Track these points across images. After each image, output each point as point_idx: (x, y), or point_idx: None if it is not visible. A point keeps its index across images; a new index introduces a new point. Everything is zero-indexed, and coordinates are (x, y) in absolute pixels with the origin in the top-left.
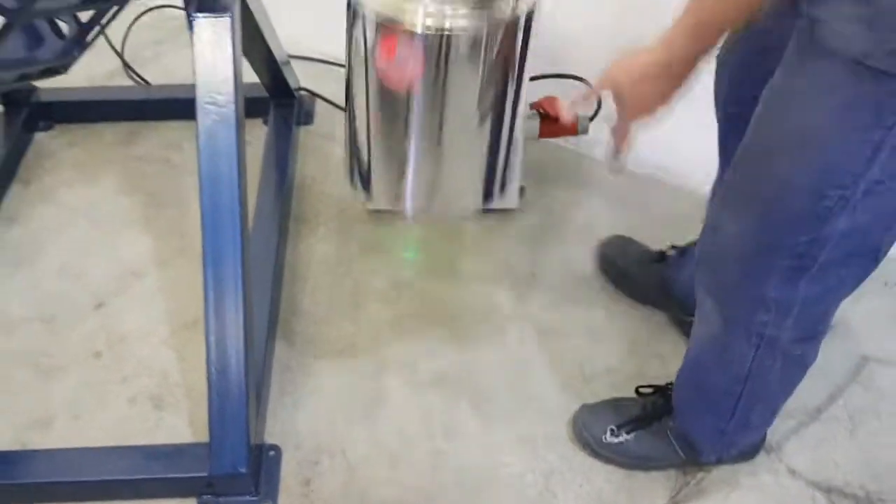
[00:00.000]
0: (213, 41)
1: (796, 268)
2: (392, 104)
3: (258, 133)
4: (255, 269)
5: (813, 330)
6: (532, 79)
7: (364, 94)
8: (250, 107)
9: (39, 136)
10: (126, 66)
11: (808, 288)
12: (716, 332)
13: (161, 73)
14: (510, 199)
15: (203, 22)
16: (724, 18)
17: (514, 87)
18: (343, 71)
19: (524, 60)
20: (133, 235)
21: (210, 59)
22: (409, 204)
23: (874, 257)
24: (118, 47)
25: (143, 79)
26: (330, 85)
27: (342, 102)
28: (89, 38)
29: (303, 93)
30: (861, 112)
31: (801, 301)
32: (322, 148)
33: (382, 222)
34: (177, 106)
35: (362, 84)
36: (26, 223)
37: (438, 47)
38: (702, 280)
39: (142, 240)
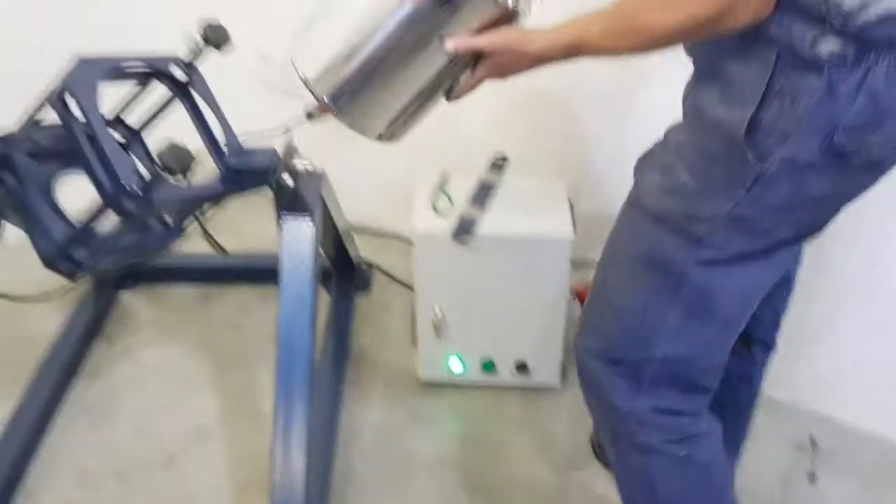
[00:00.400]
0: (298, 238)
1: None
2: None
3: (321, 299)
4: (315, 435)
5: (678, 433)
6: None
7: None
8: (322, 278)
9: (124, 296)
10: (206, 233)
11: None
12: (612, 452)
13: (236, 239)
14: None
15: (291, 221)
16: (601, 54)
17: None
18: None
19: None
20: (203, 395)
21: (294, 252)
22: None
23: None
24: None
25: (219, 245)
26: (387, 256)
27: (398, 273)
28: (187, 224)
29: (361, 262)
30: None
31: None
32: (377, 317)
33: (432, 393)
34: (248, 272)
35: None
36: (107, 379)
37: None
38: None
39: (211, 400)
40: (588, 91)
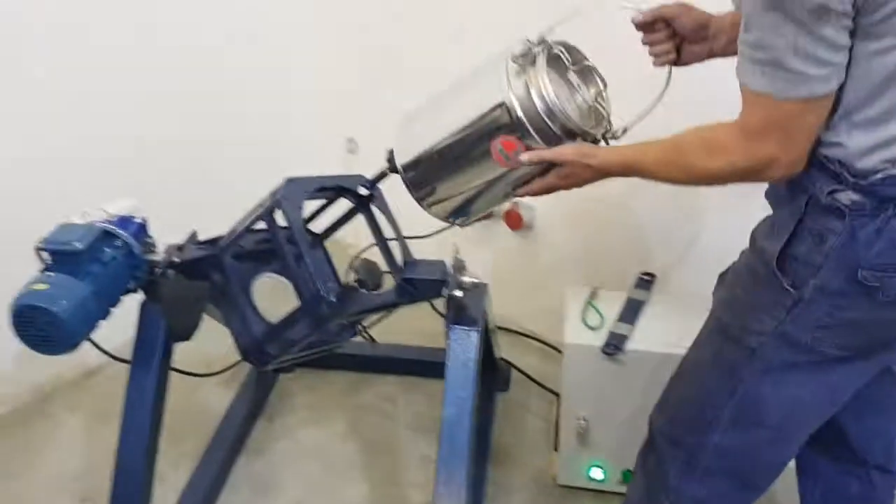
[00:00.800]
0: (464, 348)
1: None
2: None
3: None
4: None
5: None
6: None
7: None
8: None
9: (283, 378)
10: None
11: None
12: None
13: (383, 329)
14: None
15: (458, 332)
16: (653, 179)
17: None
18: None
19: None
20: (355, 480)
21: (460, 360)
22: None
23: (743, 484)
24: None
25: (370, 335)
26: (525, 356)
27: (534, 373)
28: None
29: (502, 361)
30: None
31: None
32: (515, 415)
33: (571, 498)
34: (395, 363)
35: None
36: (268, 456)
37: None
38: None
39: (361, 484)
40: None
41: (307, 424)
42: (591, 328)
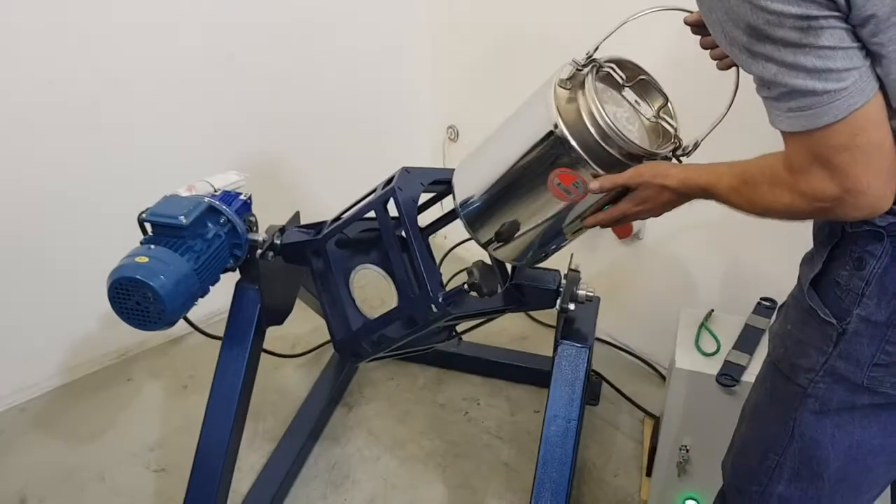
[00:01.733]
0: (572, 365)
1: None
2: None
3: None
4: None
5: None
6: None
7: None
8: (544, 379)
9: (364, 367)
10: None
11: None
12: None
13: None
14: None
15: (568, 348)
16: (728, 205)
17: None
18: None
19: None
20: (430, 481)
21: (567, 377)
22: None
23: None
24: None
25: (457, 332)
26: (617, 371)
27: (626, 388)
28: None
29: (593, 374)
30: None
31: None
32: (604, 433)
33: None
34: (479, 364)
35: None
36: (344, 446)
37: None
38: None
39: (438, 487)
40: None
41: (385, 417)
42: (705, 354)
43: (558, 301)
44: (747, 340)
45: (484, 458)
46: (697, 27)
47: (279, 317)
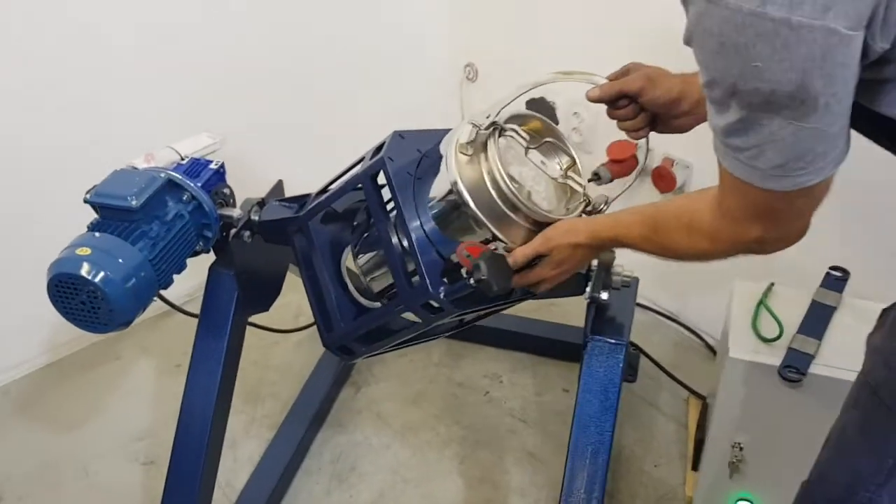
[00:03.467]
0: (606, 364)
1: None
2: None
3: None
4: None
5: None
6: None
7: None
8: (575, 353)
9: None
10: None
11: None
12: None
13: None
14: None
15: (600, 345)
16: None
17: None
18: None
19: None
20: (446, 474)
21: (600, 381)
22: None
23: None
24: None
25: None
26: (658, 342)
27: (667, 362)
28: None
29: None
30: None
31: None
32: (643, 414)
33: None
34: (502, 336)
35: None
36: (351, 433)
37: None
38: None
39: (454, 481)
40: None
41: (397, 398)
42: (765, 340)
43: (587, 289)
44: (815, 322)
45: (507, 447)
46: (606, 102)
47: (263, 302)
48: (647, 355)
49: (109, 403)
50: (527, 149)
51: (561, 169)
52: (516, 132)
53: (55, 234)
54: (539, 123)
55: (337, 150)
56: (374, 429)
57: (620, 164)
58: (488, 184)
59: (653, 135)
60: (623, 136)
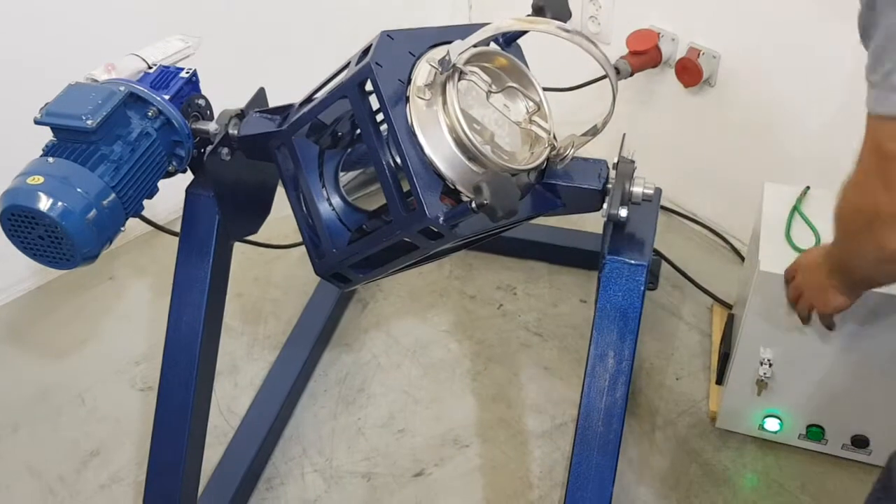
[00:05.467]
0: (626, 290)
1: None
2: None
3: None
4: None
5: None
6: None
7: None
8: (592, 262)
9: None
10: None
11: None
12: None
13: None
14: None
15: (619, 265)
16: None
17: None
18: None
19: None
20: (458, 393)
21: (618, 307)
22: None
23: None
24: None
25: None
26: (681, 245)
27: (690, 267)
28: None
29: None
30: None
31: None
32: (664, 323)
33: (733, 446)
34: (517, 244)
35: None
36: (358, 352)
37: None
38: None
39: (467, 400)
40: None
41: (406, 314)
42: (799, 250)
43: (605, 205)
44: None
45: (521, 362)
46: None
47: (250, 224)
48: (668, 261)
49: (104, 327)
50: (488, 93)
51: (527, 112)
52: (479, 74)
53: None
54: (505, 61)
55: (325, 60)
56: (382, 347)
57: (642, 56)
58: (446, 134)
59: (677, 21)
60: (645, 24)
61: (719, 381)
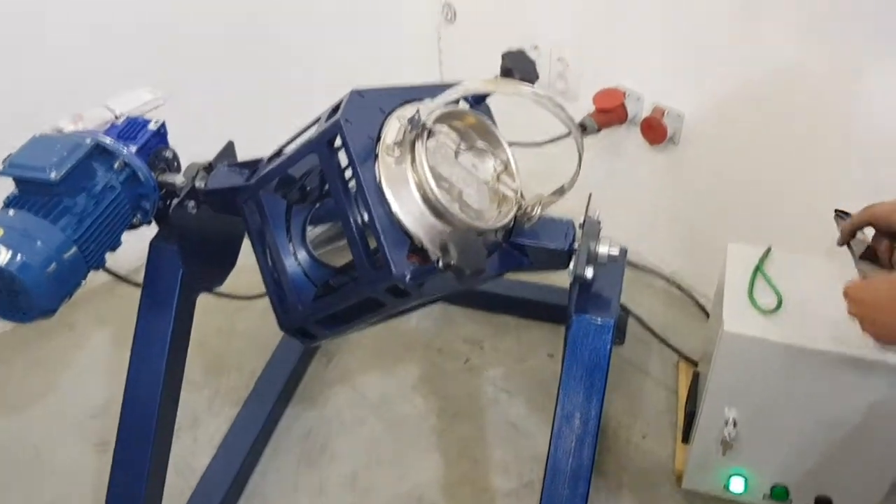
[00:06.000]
0: (593, 347)
1: None
2: None
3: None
4: None
5: None
6: None
7: None
8: (560, 316)
9: None
10: None
11: None
12: None
13: None
14: None
15: (586, 323)
16: None
17: None
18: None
19: None
20: (423, 450)
21: (585, 363)
22: None
23: None
24: None
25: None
26: (647, 300)
27: (656, 323)
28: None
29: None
30: None
31: None
32: (631, 380)
33: None
34: (484, 297)
35: None
36: (322, 407)
37: None
38: None
39: (432, 457)
40: None
41: (372, 369)
42: (762, 311)
43: (571, 264)
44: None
45: (488, 418)
46: None
47: (215, 278)
48: (635, 316)
49: (62, 379)
50: (456, 152)
51: (495, 171)
52: (447, 133)
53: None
54: (474, 120)
55: (297, 106)
56: (346, 402)
57: (608, 114)
58: (414, 191)
59: (643, 81)
60: (611, 83)
61: (685, 439)
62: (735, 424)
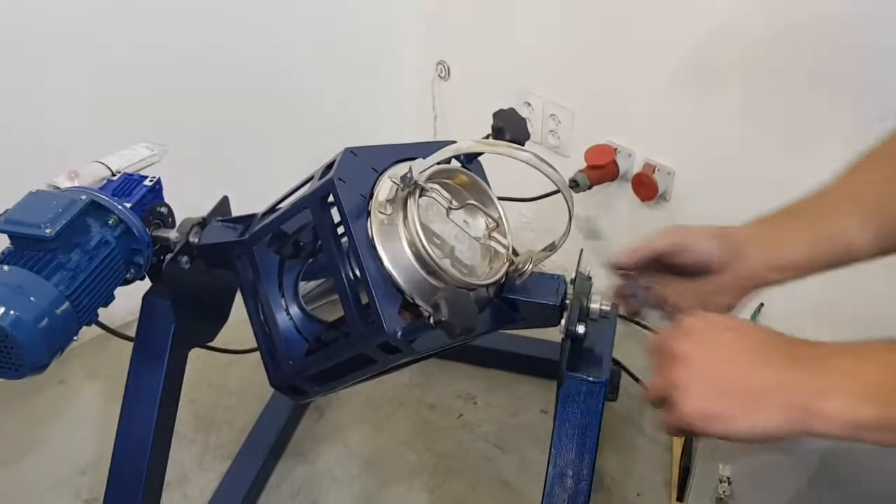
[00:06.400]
0: (584, 407)
1: None
2: None
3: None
4: None
5: None
6: None
7: None
8: (553, 370)
9: None
10: None
11: None
12: None
13: None
14: None
15: (577, 383)
16: None
17: None
18: None
19: None
20: None
21: (577, 423)
22: None
23: None
24: None
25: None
26: (640, 355)
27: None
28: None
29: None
30: None
31: None
32: (625, 436)
33: None
34: (476, 351)
35: None
36: (313, 463)
37: None
38: None
39: None
40: None
41: (363, 424)
42: None
43: (563, 320)
44: None
45: (480, 475)
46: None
47: (207, 332)
48: (628, 371)
49: (52, 433)
50: (448, 210)
51: (486, 228)
52: (439, 192)
53: None
54: (466, 178)
55: (294, 167)
56: (337, 458)
57: (599, 170)
58: (406, 248)
59: (632, 138)
60: (602, 139)
61: (680, 497)
62: (730, 482)
